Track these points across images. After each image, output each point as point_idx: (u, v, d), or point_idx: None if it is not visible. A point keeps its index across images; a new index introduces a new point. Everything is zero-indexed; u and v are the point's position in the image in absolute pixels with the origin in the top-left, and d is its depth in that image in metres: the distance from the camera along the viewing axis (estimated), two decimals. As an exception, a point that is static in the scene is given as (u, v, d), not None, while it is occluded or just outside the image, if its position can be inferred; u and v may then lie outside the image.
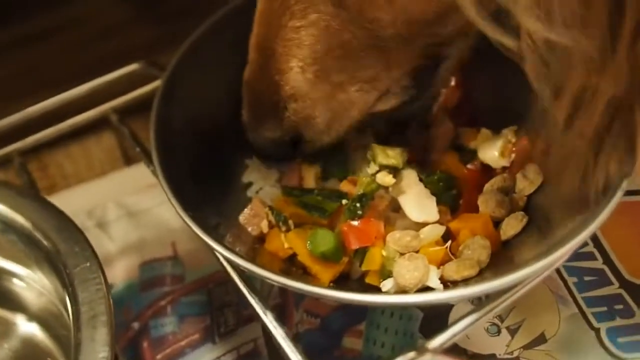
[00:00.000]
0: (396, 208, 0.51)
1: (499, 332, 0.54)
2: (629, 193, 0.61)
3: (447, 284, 0.45)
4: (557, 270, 0.57)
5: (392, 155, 0.51)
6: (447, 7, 0.39)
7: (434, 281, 0.45)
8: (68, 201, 0.68)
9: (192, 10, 0.71)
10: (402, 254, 0.46)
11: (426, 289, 0.45)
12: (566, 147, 0.40)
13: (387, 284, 0.46)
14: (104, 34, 0.84)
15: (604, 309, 0.55)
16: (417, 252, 0.47)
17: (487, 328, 0.55)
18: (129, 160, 0.76)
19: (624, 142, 0.38)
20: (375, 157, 0.50)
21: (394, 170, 0.51)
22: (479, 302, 0.51)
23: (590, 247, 0.59)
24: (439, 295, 0.40)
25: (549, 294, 0.56)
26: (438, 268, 0.46)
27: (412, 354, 0.36)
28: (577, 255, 0.58)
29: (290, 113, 0.47)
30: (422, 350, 0.36)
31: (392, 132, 0.55)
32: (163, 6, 0.87)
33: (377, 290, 0.47)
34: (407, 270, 0.45)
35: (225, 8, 0.59)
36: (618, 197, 0.42)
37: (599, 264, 0.58)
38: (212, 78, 0.56)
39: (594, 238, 0.59)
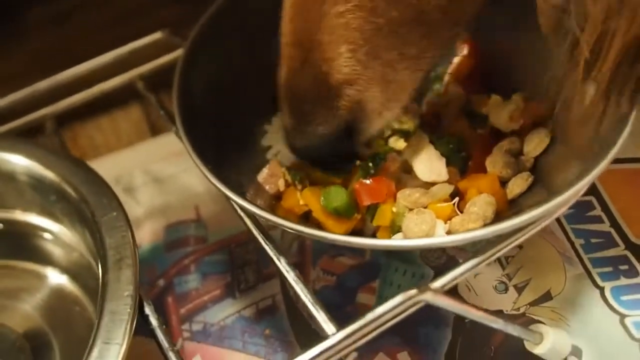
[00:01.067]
0: (408, 169, 0.53)
1: (506, 289, 0.57)
2: (635, 160, 0.63)
3: (453, 236, 0.47)
4: (565, 232, 0.59)
5: (404, 121, 0.53)
6: None
7: (440, 234, 0.47)
8: (96, 168, 0.72)
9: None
10: (411, 210, 0.49)
11: (433, 242, 0.47)
12: (582, 103, 0.41)
13: (397, 238, 0.48)
14: (130, 12, 0.87)
15: (609, 269, 0.57)
16: (425, 207, 0.49)
17: (495, 286, 0.57)
18: (155, 131, 0.78)
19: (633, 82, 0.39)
20: None
21: (406, 135, 0.53)
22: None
23: (598, 211, 0.60)
24: (437, 240, 0.41)
25: (556, 255, 0.58)
26: (445, 223, 0.48)
27: (413, 292, 0.38)
28: (585, 218, 0.60)
29: (344, 100, 0.45)
30: (423, 290, 0.39)
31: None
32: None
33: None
34: (415, 224, 0.47)
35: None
36: (617, 147, 0.43)
37: (606, 226, 0.59)
38: (232, 45, 0.58)
39: (602, 202, 0.61)
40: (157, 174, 0.70)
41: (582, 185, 0.41)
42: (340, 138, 0.46)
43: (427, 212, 0.48)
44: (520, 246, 0.59)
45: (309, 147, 0.47)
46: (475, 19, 0.48)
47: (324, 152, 0.47)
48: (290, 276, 0.43)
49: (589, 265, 0.57)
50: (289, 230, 0.43)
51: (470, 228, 0.46)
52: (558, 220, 0.60)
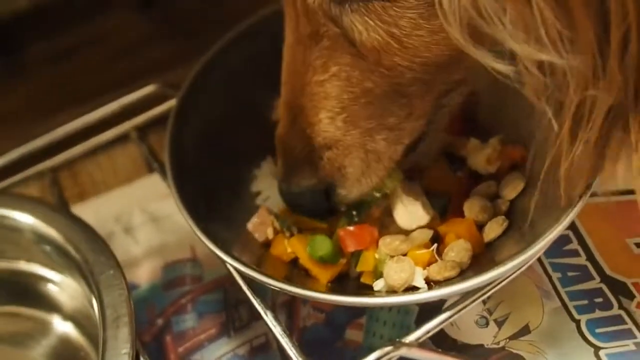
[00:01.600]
0: (390, 212, 0.56)
1: (487, 324, 0.59)
2: (613, 194, 0.66)
3: (431, 283, 0.50)
4: (543, 267, 0.62)
5: (386, 184, 0.55)
6: (460, 51, 0.40)
7: (419, 281, 0.50)
8: (98, 208, 0.75)
9: (207, 27, 0.75)
10: (391, 257, 0.52)
11: (413, 287, 0.50)
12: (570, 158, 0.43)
13: (379, 284, 0.51)
14: (125, 50, 0.91)
15: (585, 302, 0.59)
16: (405, 254, 0.52)
17: (477, 320, 0.60)
18: (152, 168, 0.82)
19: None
20: None
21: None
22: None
23: (575, 245, 0.63)
24: (406, 298, 0.45)
25: (534, 289, 0.61)
26: (424, 269, 0.51)
27: (389, 348, 0.42)
28: (562, 252, 0.63)
29: (325, 162, 0.49)
30: (398, 345, 0.42)
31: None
32: (179, 23, 0.94)
33: (371, 289, 0.52)
34: (394, 271, 0.50)
35: (234, 31, 0.64)
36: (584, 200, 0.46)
37: (582, 260, 0.62)
38: (222, 96, 0.62)
39: (579, 236, 0.64)
40: (154, 213, 0.73)
41: (551, 237, 0.44)
42: (320, 194, 0.50)
43: (406, 260, 0.51)
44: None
45: (293, 195, 0.52)
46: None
47: (305, 202, 0.53)
48: (277, 330, 0.46)
49: (566, 299, 0.60)
50: (273, 287, 0.46)
51: (447, 276, 0.50)
52: (536, 255, 0.63)
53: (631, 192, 0.65)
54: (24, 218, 0.54)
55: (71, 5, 0.97)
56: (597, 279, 0.61)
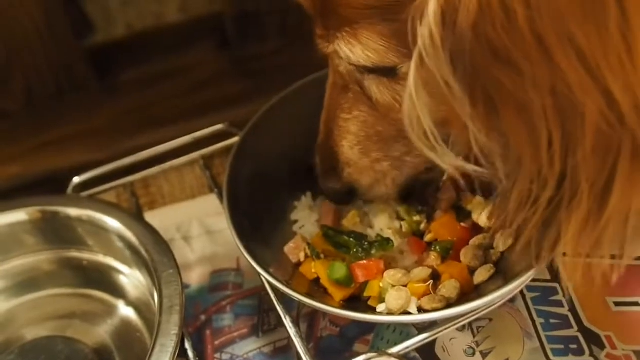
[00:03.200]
0: (401, 250, 0.68)
1: (474, 354, 0.69)
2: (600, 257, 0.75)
3: (422, 311, 0.61)
4: (529, 312, 0.71)
5: (417, 220, 0.69)
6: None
7: (412, 308, 0.61)
8: (163, 216, 0.87)
9: (278, 70, 0.87)
10: (393, 286, 0.64)
11: (407, 312, 0.61)
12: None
13: (381, 307, 0.62)
14: (202, 84, 1.03)
15: (562, 346, 0.68)
16: (405, 286, 0.64)
17: (465, 350, 0.70)
18: (212, 189, 0.94)
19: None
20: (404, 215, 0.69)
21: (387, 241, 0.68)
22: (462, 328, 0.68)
23: (560, 297, 0.73)
24: (396, 318, 0.58)
25: (518, 329, 0.70)
26: (419, 299, 0.62)
27: (373, 354, 0.53)
28: (548, 302, 0.72)
29: (345, 174, 0.64)
30: (381, 353, 0.53)
31: (411, 194, 0.71)
32: (251, 65, 1.05)
33: (375, 309, 0.64)
34: (394, 298, 0.61)
35: (298, 82, 0.77)
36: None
37: (565, 310, 0.71)
38: (277, 140, 0.74)
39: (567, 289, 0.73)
40: (210, 227, 0.85)
41: (506, 291, 0.56)
42: (345, 193, 0.66)
43: (404, 290, 0.62)
44: (490, 319, 0.72)
45: (326, 191, 0.67)
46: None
47: (333, 196, 0.68)
48: (292, 331, 0.58)
49: (545, 342, 0.68)
50: (297, 300, 0.58)
51: (434, 307, 0.60)
52: (525, 301, 0.72)
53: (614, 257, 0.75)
54: (110, 221, 0.67)
55: (161, 38, 1.10)
56: (575, 327, 0.69)
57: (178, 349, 0.55)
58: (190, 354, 0.58)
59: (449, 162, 0.47)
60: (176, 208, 0.90)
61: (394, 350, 0.54)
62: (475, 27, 0.38)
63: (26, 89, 1.01)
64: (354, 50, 0.51)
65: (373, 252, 0.67)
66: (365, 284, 0.64)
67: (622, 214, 0.46)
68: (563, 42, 0.37)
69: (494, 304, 0.56)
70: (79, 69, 1.03)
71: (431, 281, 0.63)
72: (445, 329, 0.56)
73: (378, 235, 0.69)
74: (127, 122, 0.99)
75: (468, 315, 0.57)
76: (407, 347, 0.55)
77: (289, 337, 0.71)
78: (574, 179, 0.44)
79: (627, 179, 0.43)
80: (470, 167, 0.47)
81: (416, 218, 0.70)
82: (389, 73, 0.53)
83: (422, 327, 0.70)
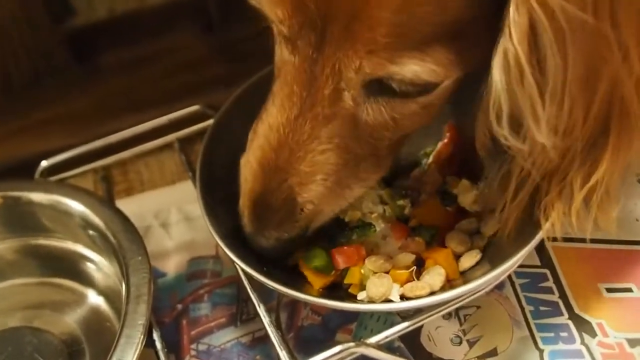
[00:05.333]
0: (384, 235, 0.65)
1: (460, 342, 0.67)
2: (590, 241, 0.74)
3: (404, 298, 0.59)
4: (518, 299, 0.69)
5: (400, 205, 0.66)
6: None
7: (394, 296, 0.58)
8: (141, 202, 0.84)
9: (261, 53, 0.84)
10: (375, 273, 0.61)
11: (389, 300, 0.59)
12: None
13: (362, 294, 0.60)
14: (183, 67, 1.00)
15: (551, 334, 0.66)
16: (387, 272, 0.61)
17: (452, 338, 0.67)
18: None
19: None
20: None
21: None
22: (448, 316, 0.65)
23: (550, 283, 0.70)
24: (377, 307, 0.55)
25: (506, 317, 0.68)
26: (401, 286, 0.60)
27: (351, 344, 0.50)
28: (537, 288, 0.70)
29: (305, 212, 0.57)
30: (359, 344, 0.50)
31: (394, 177, 0.69)
32: (236, 47, 1.02)
33: (356, 297, 0.61)
34: (375, 285, 0.59)
35: (270, 66, 0.73)
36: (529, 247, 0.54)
37: (555, 297, 0.69)
38: (251, 123, 0.71)
39: (555, 275, 0.70)
40: (189, 214, 0.82)
41: (492, 277, 0.53)
42: (292, 241, 0.58)
43: (386, 277, 0.59)
44: (478, 307, 0.69)
45: (268, 246, 0.59)
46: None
47: (276, 251, 0.60)
48: (266, 320, 0.56)
49: (534, 329, 0.67)
50: (274, 290, 0.56)
51: (417, 294, 0.58)
52: (513, 287, 0.70)
53: (608, 241, 0.73)
54: (75, 205, 0.64)
55: (143, 20, 1.06)
56: (566, 315, 0.67)
57: (145, 340, 0.53)
58: (158, 344, 0.55)
59: (540, 139, 0.47)
60: (154, 194, 0.88)
61: (374, 339, 0.51)
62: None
63: (2, 75, 0.97)
64: (426, 67, 0.47)
65: (354, 237, 0.63)
66: (346, 270, 0.62)
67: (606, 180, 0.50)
68: None
69: (480, 290, 0.54)
70: (57, 53, 1.00)
71: (414, 267, 0.61)
72: (429, 316, 0.53)
73: (359, 220, 0.65)
74: (107, 106, 0.97)
75: (453, 303, 0.55)
76: (388, 336, 0.52)
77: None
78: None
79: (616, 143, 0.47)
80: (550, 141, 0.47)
81: (400, 202, 0.67)
82: (424, 91, 0.51)
83: (406, 316, 0.68)
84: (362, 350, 0.50)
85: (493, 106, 0.47)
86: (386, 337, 0.52)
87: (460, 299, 0.55)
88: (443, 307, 0.55)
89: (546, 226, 0.54)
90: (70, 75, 1.01)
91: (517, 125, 0.48)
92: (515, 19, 0.42)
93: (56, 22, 0.99)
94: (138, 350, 0.52)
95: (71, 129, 0.92)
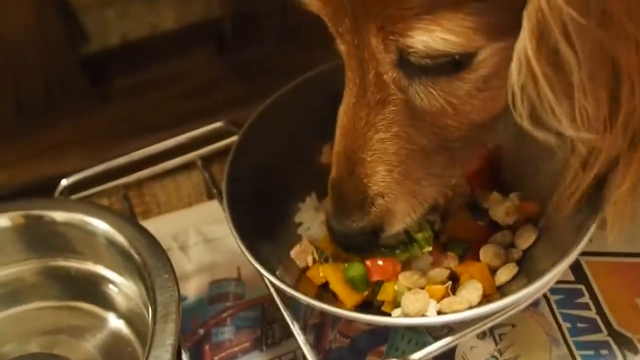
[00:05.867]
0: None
1: (497, 363, 0.65)
2: (625, 255, 0.72)
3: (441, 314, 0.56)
4: (554, 316, 0.67)
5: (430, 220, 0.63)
6: (499, 114, 0.51)
7: (431, 312, 0.56)
8: (159, 225, 0.82)
9: (276, 72, 0.84)
10: (410, 289, 0.58)
11: (425, 317, 0.56)
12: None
13: (396, 312, 0.57)
14: (199, 88, 1.00)
15: (591, 352, 0.64)
16: (422, 288, 0.59)
17: (487, 359, 0.65)
18: (211, 196, 0.89)
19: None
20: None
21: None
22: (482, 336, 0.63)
23: (586, 299, 0.68)
24: (416, 321, 0.52)
25: (544, 336, 0.66)
26: (438, 302, 0.58)
27: (393, 360, 0.48)
28: (573, 304, 0.68)
29: (376, 207, 0.55)
30: (402, 358, 0.48)
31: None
32: (251, 67, 1.02)
33: (389, 316, 0.59)
34: (410, 301, 0.56)
35: (294, 81, 0.72)
36: (572, 256, 0.53)
37: (592, 313, 0.67)
38: (277, 137, 0.69)
39: (591, 291, 0.68)
40: (208, 236, 0.80)
41: (533, 289, 0.51)
42: (367, 234, 0.56)
43: (422, 292, 0.57)
44: (513, 325, 0.67)
45: (343, 234, 0.58)
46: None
47: (352, 241, 0.58)
48: (301, 339, 0.53)
49: (573, 348, 0.64)
50: (305, 303, 0.53)
51: (455, 309, 0.55)
52: (549, 304, 0.68)
53: (642, 254, 0.71)
54: (99, 224, 0.63)
55: (155, 45, 1.06)
56: (605, 332, 0.65)
57: (174, 360, 0.50)
58: (187, 364, 0.53)
59: (563, 130, 0.45)
60: (172, 217, 0.87)
61: (415, 356, 0.49)
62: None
63: (15, 98, 0.97)
64: (435, 37, 0.45)
65: (397, 252, 0.61)
66: (378, 288, 0.60)
67: None
68: None
69: (520, 304, 0.51)
70: (72, 77, 1.00)
71: (450, 283, 0.59)
72: (467, 333, 0.51)
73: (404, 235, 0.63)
74: (122, 128, 0.96)
75: (491, 318, 0.52)
76: (429, 353, 0.49)
77: (296, 350, 0.67)
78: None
79: None
80: (583, 135, 0.45)
81: (429, 217, 0.64)
82: (459, 66, 0.48)
83: (438, 337, 0.66)
84: (405, 367, 0.48)
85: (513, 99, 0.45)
86: (428, 354, 0.49)
87: (500, 313, 0.53)
88: (480, 324, 0.52)
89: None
90: (85, 99, 1.00)
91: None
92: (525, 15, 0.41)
93: (72, 47, 1.00)
94: (167, 373, 0.49)
95: (87, 151, 0.92)
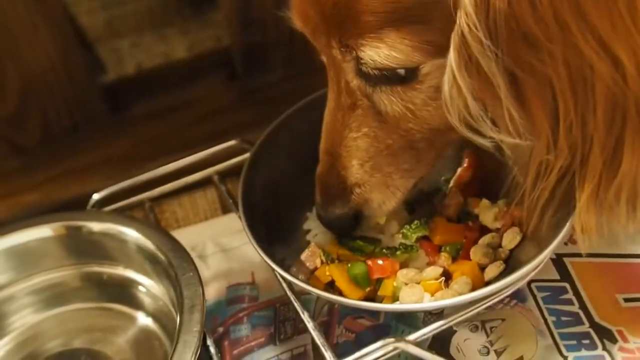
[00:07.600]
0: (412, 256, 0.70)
1: (488, 353, 0.70)
2: (606, 256, 0.78)
3: (435, 304, 0.63)
4: (540, 310, 0.72)
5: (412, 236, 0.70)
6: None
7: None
8: (178, 238, 0.85)
9: (284, 97, 0.90)
10: (406, 284, 0.65)
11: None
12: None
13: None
14: (213, 113, 1.06)
15: (574, 342, 0.69)
16: (418, 283, 0.65)
17: (479, 349, 0.70)
18: (225, 211, 0.96)
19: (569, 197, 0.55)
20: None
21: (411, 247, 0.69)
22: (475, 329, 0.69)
23: (570, 295, 0.73)
24: (411, 306, 0.60)
25: (531, 328, 0.71)
26: (432, 295, 0.64)
27: (391, 339, 0.55)
28: (558, 300, 0.73)
29: (354, 196, 0.64)
30: (399, 339, 0.55)
31: (418, 202, 0.74)
32: (260, 92, 1.08)
33: (389, 310, 0.66)
34: (407, 294, 0.63)
35: (300, 103, 0.79)
36: (548, 252, 0.59)
37: (575, 308, 0.72)
38: (287, 154, 0.76)
39: (574, 288, 0.74)
40: (224, 246, 0.87)
41: (517, 276, 0.57)
42: (349, 219, 0.66)
43: (417, 286, 0.64)
44: (503, 319, 0.73)
45: (329, 219, 0.67)
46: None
47: (337, 225, 0.68)
48: (310, 325, 0.60)
49: (557, 338, 0.70)
50: (315, 294, 0.60)
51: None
52: (535, 300, 0.73)
53: (624, 255, 0.77)
54: (130, 232, 0.70)
55: (170, 73, 1.13)
56: (587, 324, 0.70)
57: (200, 345, 0.57)
58: (212, 350, 0.60)
59: (488, 134, 0.51)
60: (189, 230, 0.94)
61: (411, 337, 0.55)
62: (506, 18, 0.44)
63: (43, 125, 1.04)
64: (380, 53, 0.52)
65: (398, 253, 0.68)
66: (379, 284, 0.66)
67: (632, 177, 0.50)
68: (580, 22, 0.43)
69: (502, 292, 0.58)
70: (93, 105, 1.07)
71: (443, 278, 0.65)
72: (457, 317, 0.57)
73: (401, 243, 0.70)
74: (141, 151, 1.02)
75: (479, 304, 0.59)
76: (424, 334, 0.56)
77: (306, 345, 0.74)
78: (585, 147, 0.50)
79: (635, 143, 0.48)
80: (509, 139, 0.51)
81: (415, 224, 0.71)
82: (406, 78, 0.55)
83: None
84: (402, 345, 0.55)
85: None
86: (423, 335, 0.56)
87: (486, 300, 0.59)
88: (468, 309, 0.59)
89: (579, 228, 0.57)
90: (106, 125, 1.07)
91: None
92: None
93: (91, 78, 1.07)
94: (195, 353, 0.56)
95: (109, 172, 0.98)
